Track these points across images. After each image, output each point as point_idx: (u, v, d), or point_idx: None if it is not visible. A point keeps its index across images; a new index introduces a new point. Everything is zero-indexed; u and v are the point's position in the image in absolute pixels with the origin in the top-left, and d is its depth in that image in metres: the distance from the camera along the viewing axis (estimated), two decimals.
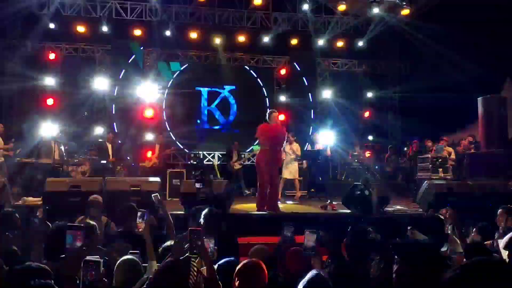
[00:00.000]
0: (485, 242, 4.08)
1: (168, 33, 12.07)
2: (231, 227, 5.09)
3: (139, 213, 3.44)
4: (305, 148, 10.27)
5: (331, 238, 3.25)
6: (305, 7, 12.27)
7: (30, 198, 7.17)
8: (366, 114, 13.89)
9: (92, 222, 3.53)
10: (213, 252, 2.81)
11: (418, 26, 11.21)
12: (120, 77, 12.39)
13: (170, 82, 13.09)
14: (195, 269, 2.68)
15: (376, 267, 2.62)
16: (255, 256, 3.06)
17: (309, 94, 13.67)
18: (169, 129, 12.88)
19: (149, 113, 11.93)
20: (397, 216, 6.98)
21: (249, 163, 11.40)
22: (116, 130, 12.19)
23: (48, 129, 8.96)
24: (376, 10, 11.81)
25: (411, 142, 11.16)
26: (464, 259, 3.24)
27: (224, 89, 13.56)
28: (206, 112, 13.50)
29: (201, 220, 3.92)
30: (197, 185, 6.27)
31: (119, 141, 11.05)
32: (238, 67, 13.56)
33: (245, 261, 2.66)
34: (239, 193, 10.79)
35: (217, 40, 12.59)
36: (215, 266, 2.84)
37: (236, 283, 2.52)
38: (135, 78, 12.11)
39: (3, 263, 2.72)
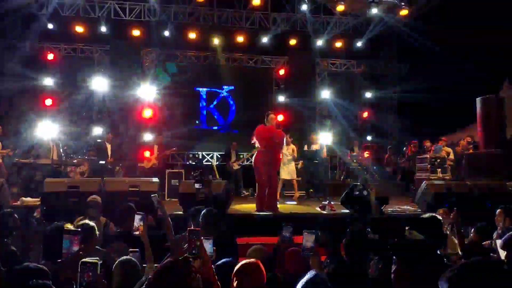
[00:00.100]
0: (484, 242, 4.09)
1: (167, 33, 12.07)
2: (230, 227, 5.10)
3: (139, 216, 3.43)
4: (303, 149, 10.27)
5: (330, 239, 3.26)
6: (304, 7, 12.29)
7: (29, 199, 7.16)
8: (365, 114, 13.90)
9: (91, 223, 3.52)
10: (212, 252, 2.81)
11: (416, 27, 11.23)
12: (119, 77, 12.38)
13: (169, 83, 13.07)
14: (194, 269, 2.68)
15: (374, 267, 2.63)
16: (254, 256, 3.06)
17: (308, 94, 13.67)
18: (168, 130, 12.87)
19: (147, 113, 11.93)
20: (396, 217, 6.99)
21: (248, 163, 11.40)
22: (115, 131, 12.18)
23: (47, 129, 8.95)
24: (375, 11, 11.84)
25: (409, 143, 11.18)
26: (462, 259, 3.25)
27: (223, 89, 13.56)
28: (204, 112, 13.49)
29: (200, 221, 3.92)
30: (196, 185, 6.27)
31: (118, 141, 11.04)
32: (237, 68, 13.56)
33: (243, 262, 2.66)
34: (238, 194, 10.79)
35: (216, 41, 12.60)
36: (214, 267, 2.84)
37: (235, 284, 2.52)
38: (134, 79, 12.10)
39: (0, 265, 2.71)
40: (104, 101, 12.21)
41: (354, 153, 11.95)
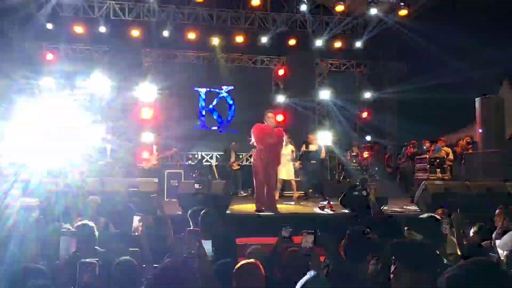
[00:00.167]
0: (483, 242, 4.09)
1: (166, 33, 12.05)
2: (229, 227, 5.09)
3: (138, 217, 3.43)
4: (302, 149, 10.26)
5: (329, 239, 3.25)
6: (303, 7, 12.28)
7: (27, 199, 7.14)
8: (364, 114, 13.91)
9: (90, 223, 3.52)
10: (211, 252, 2.81)
11: (416, 27, 11.22)
12: (118, 77, 12.37)
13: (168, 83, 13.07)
14: (193, 269, 2.68)
15: (373, 268, 2.62)
16: (253, 256, 3.06)
17: (307, 94, 13.67)
18: (167, 130, 12.86)
19: (147, 113, 11.91)
20: (395, 217, 6.98)
21: (247, 163, 11.39)
22: (114, 131, 12.16)
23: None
24: (374, 11, 11.83)
25: (409, 143, 11.18)
26: (462, 260, 3.24)
27: (222, 89, 13.55)
28: (204, 112, 13.49)
29: (199, 221, 3.92)
30: (196, 185, 6.28)
31: (118, 142, 11.02)
32: (236, 68, 13.56)
33: (242, 262, 2.66)
34: (237, 194, 10.79)
35: (215, 41, 12.59)
36: (213, 267, 2.84)
37: (234, 284, 2.52)
38: (134, 79, 12.09)
39: None
40: (103, 101, 12.19)
41: (354, 153, 11.95)
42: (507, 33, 9.36)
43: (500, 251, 3.58)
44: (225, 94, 13.57)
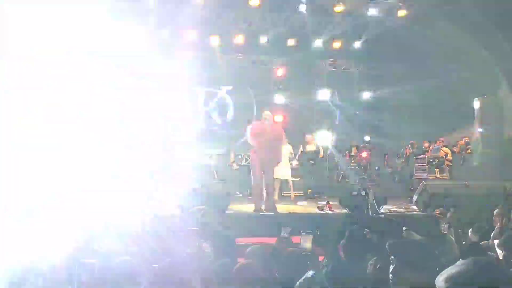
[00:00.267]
0: (482, 242, 4.10)
1: (166, 33, 12.03)
2: (229, 227, 5.10)
3: None
4: (300, 149, 10.26)
5: (328, 239, 3.26)
6: (303, 8, 12.28)
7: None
8: (363, 115, 13.89)
9: None
10: (210, 253, 2.82)
11: (415, 27, 11.24)
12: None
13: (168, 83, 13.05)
14: (193, 270, 2.68)
15: (372, 268, 2.63)
16: (252, 256, 3.07)
17: (307, 94, 13.67)
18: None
19: None
20: (394, 217, 6.99)
21: (246, 163, 11.37)
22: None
23: None
24: (373, 11, 11.84)
25: (408, 143, 11.20)
26: (460, 259, 3.25)
27: (221, 89, 13.54)
28: (203, 112, 13.46)
29: (199, 221, 3.93)
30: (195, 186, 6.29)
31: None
32: (236, 68, 13.55)
33: (241, 262, 2.67)
34: (236, 194, 10.76)
35: (215, 40, 12.57)
36: (212, 267, 2.84)
37: (233, 284, 2.53)
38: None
39: None
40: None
41: (352, 153, 11.96)
42: (507, 32, 9.37)
43: (498, 250, 3.59)
44: (224, 94, 13.55)
